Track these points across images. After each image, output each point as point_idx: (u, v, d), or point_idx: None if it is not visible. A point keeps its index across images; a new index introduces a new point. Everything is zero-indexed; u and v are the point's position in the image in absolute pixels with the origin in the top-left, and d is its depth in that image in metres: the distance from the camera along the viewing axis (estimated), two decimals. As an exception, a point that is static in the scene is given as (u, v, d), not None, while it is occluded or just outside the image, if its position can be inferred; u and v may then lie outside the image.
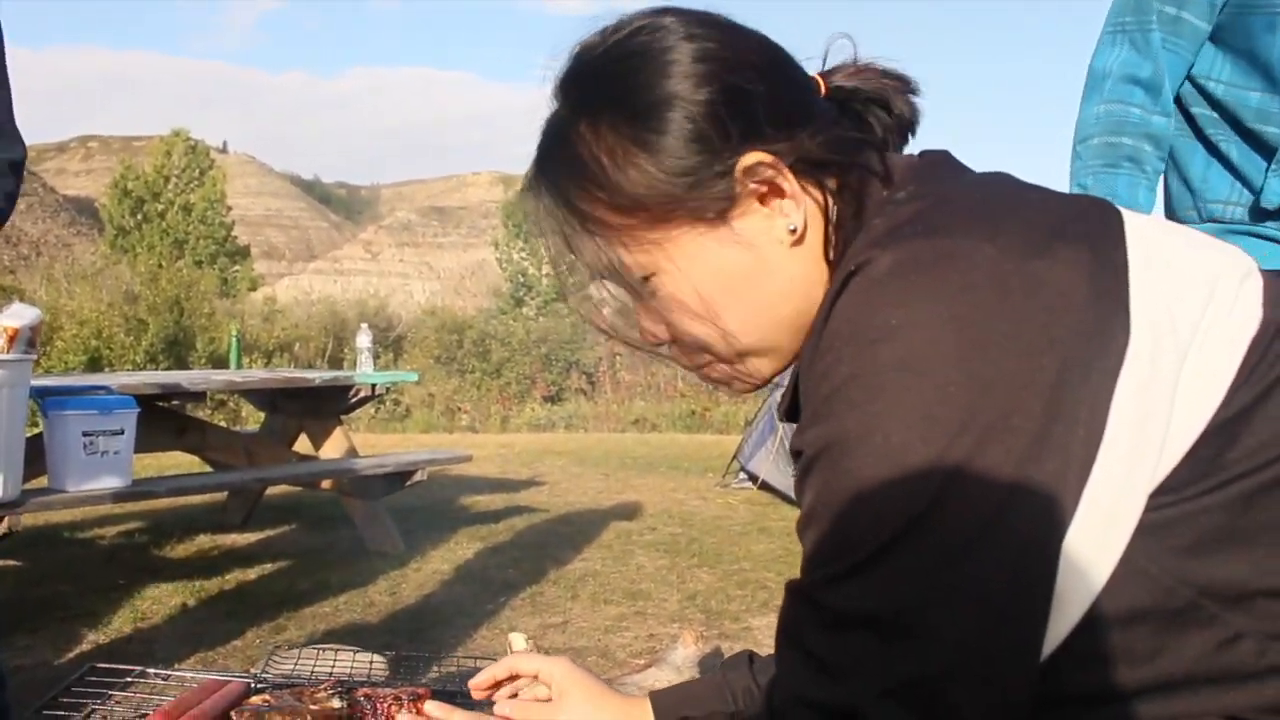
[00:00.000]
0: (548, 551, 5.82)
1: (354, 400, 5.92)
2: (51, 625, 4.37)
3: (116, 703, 1.77)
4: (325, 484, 5.79)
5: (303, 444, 6.27)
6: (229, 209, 39.00)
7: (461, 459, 6.06)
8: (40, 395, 4.37)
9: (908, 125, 1.06)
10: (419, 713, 1.72)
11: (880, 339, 0.83)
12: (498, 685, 1.45)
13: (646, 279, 1.01)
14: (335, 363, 19.42)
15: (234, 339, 6.84)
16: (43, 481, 4.48)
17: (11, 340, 3.96)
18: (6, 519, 3.92)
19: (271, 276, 51.54)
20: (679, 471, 9.58)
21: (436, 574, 5.31)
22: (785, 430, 7.68)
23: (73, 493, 4.30)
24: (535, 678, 1.40)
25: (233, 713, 1.65)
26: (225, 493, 6.47)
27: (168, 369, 15.25)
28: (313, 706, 1.69)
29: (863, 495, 0.83)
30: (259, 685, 1.82)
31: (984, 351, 0.81)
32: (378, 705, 1.70)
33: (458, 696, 1.87)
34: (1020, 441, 0.80)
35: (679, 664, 3.59)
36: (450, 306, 31.66)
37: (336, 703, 1.72)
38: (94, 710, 1.72)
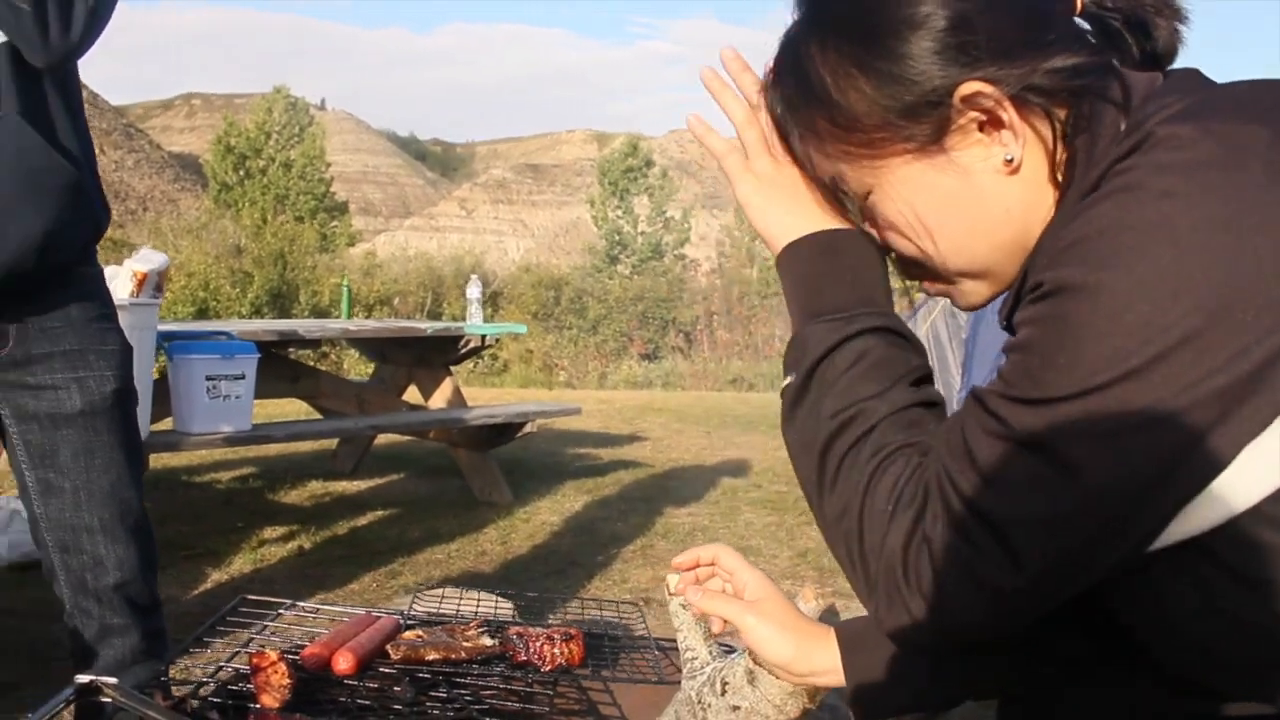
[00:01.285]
0: (655, 506, 5.82)
1: (463, 351, 5.95)
2: (176, 563, 4.47)
3: (272, 633, 1.79)
4: (434, 433, 5.84)
5: (411, 394, 6.33)
6: (328, 165, 39.50)
7: (571, 411, 6.07)
8: (164, 340, 4.45)
9: (1165, 53, 1.01)
10: (570, 655, 1.71)
11: (1137, 202, 0.82)
12: (696, 566, 1.44)
13: (865, 196, 1.01)
14: (434, 317, 19.63)
15: (345, 290, 6.91)
16: (167, 424, 4.58)
17: (140, 284, 4.03)
18: (135, 458, 4.00)
19: (369, 232, 52.22)
20: (780, 431, 9.50)
21: (546, 525, 5.33)
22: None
23: (197, 435, 4.38)
24: (731, 575, 1.38)
25: (389, 646, 1.65)
26: (335, 440, 6.56)
27: (271, 320, 15.53)
28: (465, 643, 1.69)
29: (1078, 342, 0.82)
30: (409, 622, 1.82)
31: (1240, 234, 0.78)
32: (530, 644, 1.69)
33: (605, 639, 1.86)
34: (1246, 337, 0.78)
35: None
36: (545, 264, 31.85)
37: (487, 640, 1.72)
38: (252, 639, 1.74)
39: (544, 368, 17.06)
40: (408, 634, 1.71)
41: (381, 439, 6.86)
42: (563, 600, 2.15)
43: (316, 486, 6.12)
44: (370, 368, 12.78)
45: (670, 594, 1.61)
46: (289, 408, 7.33)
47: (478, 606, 2.05)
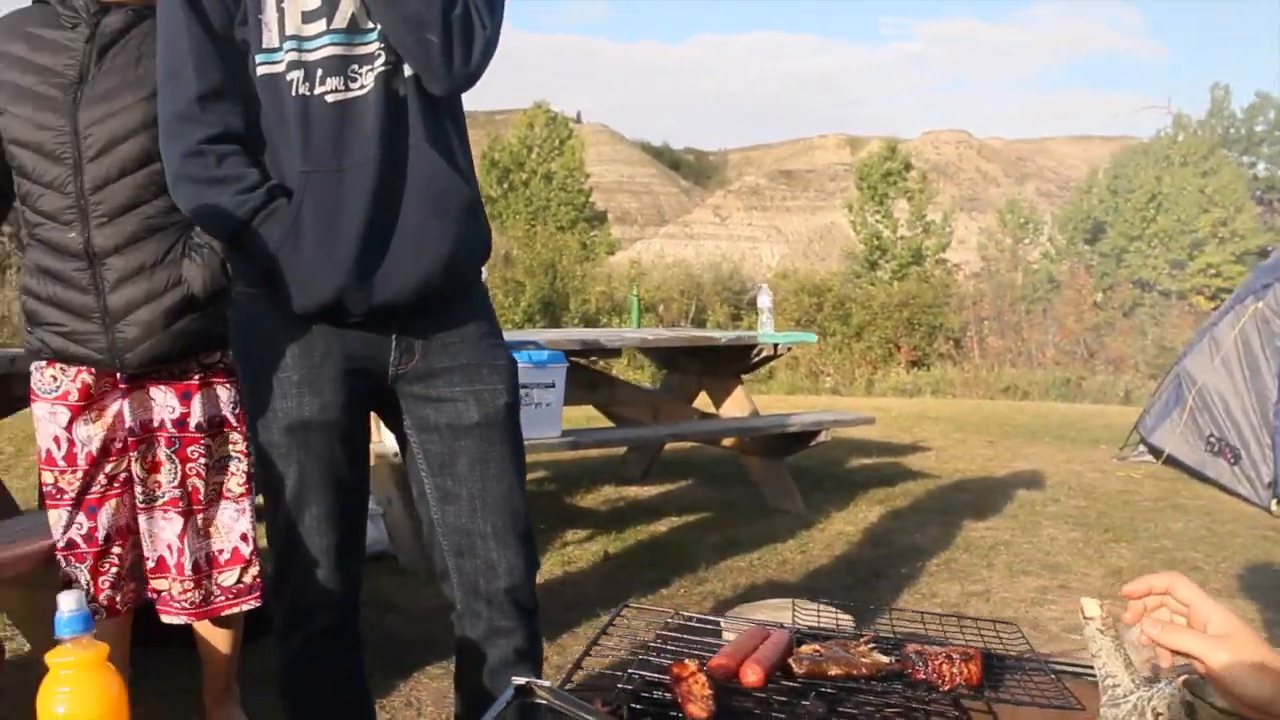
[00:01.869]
0: (950, 518, 5.69)
1: (755, 360, 5.98)
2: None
3: (664, 643, 1.83)
4: (727, 441, 5.89)
5: (699, 400, 6.42)
6: (586, 176, 40.47)
7: (864, 421, 6.02)
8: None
9: None
10: (969, 675, 1.68)
11: None
12: (1148, 594, 1.38)
13: None
14: (698, 324, 19.83)
15: (634, 299, 7.05)
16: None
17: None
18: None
19: (626, 241, 53.21)
20: (1066, 441, 9.15)
21: (842, 535, 5.30)
22: (1195, 400, 7.17)
23: (514, 441, 4.54)
24: (1188, 608, 1.32)
25: (791, 661, 1.67)
26: (624, 447, 6.70)
27: (544, 329, 16.01)
28: (864, 660, 1.69)
29: None
30: (799, 635, 1.83)
31: None
32: (929, 662, 1.68)
33: (992, 659, 1.82)
34: None
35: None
36: (801, 270, 31.67)
37: (882, 657, 1.71)
38: (648, 646, 1.79)
39: (810, 374, 16.95)
40: (804, 648, 1.72)
41: (668, 445, 6.97)
42: (936, 616, 2.11)
43: (610, 491, 6.28)
44: (637, 374, 13.02)
45: (1086, 618, 1.56)
46: (572, 414, 7.54)
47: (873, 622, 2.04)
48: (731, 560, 4.79)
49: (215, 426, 2.58)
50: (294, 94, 1.93)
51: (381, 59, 1.94)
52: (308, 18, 1.94)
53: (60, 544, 2.50)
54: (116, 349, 2.45)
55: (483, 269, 2.17)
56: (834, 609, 2.21)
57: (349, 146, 1.93)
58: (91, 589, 2.51)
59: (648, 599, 4.24)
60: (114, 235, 2.41)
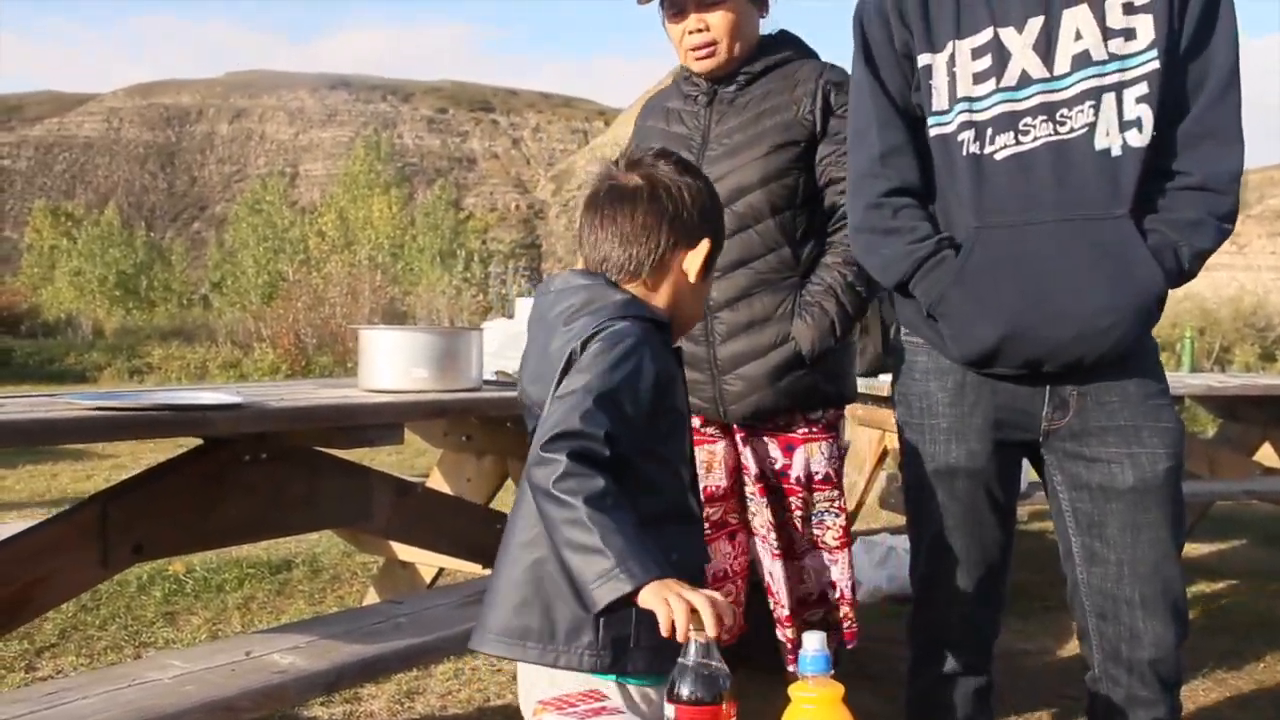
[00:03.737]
0: None
1: (1340, 411, 5.41)
2: (1035, 614, 4.51)
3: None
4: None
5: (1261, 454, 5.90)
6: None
7: None
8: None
9: None
10: None
11: None
12: None
13: None
14: (1220, 365, 18.36)
15: (1188, 341, 6.58)
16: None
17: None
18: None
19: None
20: None
21: None
22: None
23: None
24: None
25: None
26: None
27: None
28: None
29: None
30: None
31: None
32: None
33: None
34: None
35: None
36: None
37: None
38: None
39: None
40: None
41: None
42: None
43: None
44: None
45: None
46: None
47: None
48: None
49: (813, 482, 2.58)
50: (964, 153, 1.97)
51: (1071, 118, 1.92)
52: (979, 79, 1.97)
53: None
54: (723, 400, 2.51)
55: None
56: None
57: (1023, 202, 1.94)
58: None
59: (1225, 671, 3.95)
60: (728, 289, 2.46)
